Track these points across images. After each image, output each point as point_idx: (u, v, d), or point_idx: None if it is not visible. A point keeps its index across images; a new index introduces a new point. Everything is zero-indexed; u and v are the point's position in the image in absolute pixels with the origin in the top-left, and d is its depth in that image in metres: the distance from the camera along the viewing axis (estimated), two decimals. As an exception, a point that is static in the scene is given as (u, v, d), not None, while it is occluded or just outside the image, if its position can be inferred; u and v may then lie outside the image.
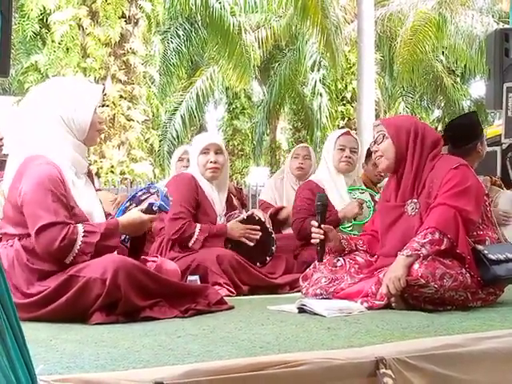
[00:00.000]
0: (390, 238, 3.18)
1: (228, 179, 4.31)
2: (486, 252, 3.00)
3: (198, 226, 3.88)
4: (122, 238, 2.94)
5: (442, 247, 2.91)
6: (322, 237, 3.19)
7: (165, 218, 3.88)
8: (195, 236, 3.85)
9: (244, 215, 4.09)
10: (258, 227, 4.01)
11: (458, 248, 2.92)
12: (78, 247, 2.69)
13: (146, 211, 2.90)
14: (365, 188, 4.48)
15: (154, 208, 2.90)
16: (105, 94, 12.00)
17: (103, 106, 11.87)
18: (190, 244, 3.85)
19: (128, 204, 3.03)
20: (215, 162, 4.00)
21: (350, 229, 4.23)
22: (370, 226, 3.43)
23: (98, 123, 2.94)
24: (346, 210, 4.23)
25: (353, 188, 4.39)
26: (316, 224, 3.22)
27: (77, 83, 3.03)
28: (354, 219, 4.24)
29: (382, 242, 3.23)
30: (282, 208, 4.88)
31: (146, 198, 2.97)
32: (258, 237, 3.98)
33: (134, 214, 2.89)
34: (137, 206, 2.96)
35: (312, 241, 3.25)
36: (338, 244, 3.26)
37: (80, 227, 2.72)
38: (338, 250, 3.28)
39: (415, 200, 3.12)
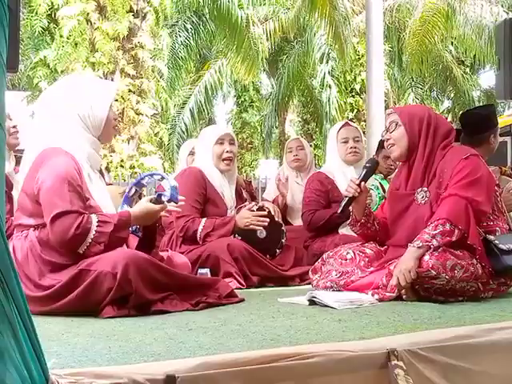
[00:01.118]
0: (399, 226, 3.18)
1: (236, 171, 4.33)
2: (496, 242, 2.99)
3: (203, 221, 3.88)
4: (134, 228, 2.96)
5: (454, 238, 2.90)
6: (357, 194, 3.18)
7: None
8: (199, 232, 3.85)
9: (254, 207, 4.09)
10: (265, 213, 4.00)
11: (469, 239, 2.91)
12: (92, 236, 2.72)
13: (155, 202, 2.92)
14: (374, 184, 4.44)
15: (164, 199, 2.92)
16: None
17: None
18: (198, 239, 3.85)
19: (134, 190, 3.06)
20: (231, 152, 4.03)
21: None
22: (380, 213, 3.42)
23: (113, 120, 2.99)
24: None
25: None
26: (356, 180, 3.21)
27: (92, 81, 3.10)
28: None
29: (392, 230, 3.23)
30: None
31: (149, 184, 3.01)
32: (265, 224, 3.96)
33: (145, 205, 2.92)
34: (140, 193, 3.00)
35: (344, 192, 3.24)
36: (362, 209, 3.24)
37: (94, 217, 2.75)
38: (358, 214, 3.25)
39: (425, 188, 3.12)
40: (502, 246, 2.97)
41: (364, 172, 3.26)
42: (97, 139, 2.94)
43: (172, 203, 3.00)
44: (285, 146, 5.28)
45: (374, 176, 4.43)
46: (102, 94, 2.93)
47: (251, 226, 3.92)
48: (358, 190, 3.18)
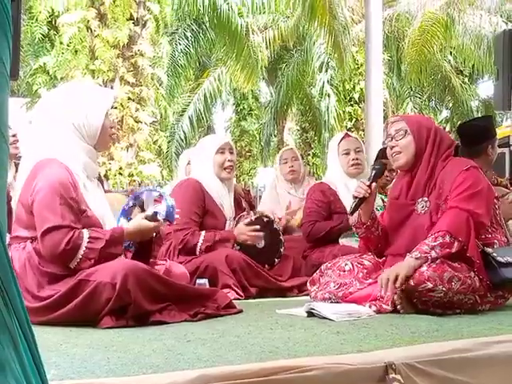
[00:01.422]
0: (399, 235, 3.18)
1: (234, 179, 4.34)
2: (494, 255, 2.99)
3: (202, 234, 3.89)
4: (127, 243, 2.96)
5: (453, 250, 2.90)
6: (367, 195, 3.16)
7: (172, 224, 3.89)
8: (199, 246, 3.86)
9: (252, 217, 4.09)
10: (259, 227, 4.00)
11: (468, 251, 2.92)
12: (82, 252, 2.71)
13: (150, 219, 2.92)
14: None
15: (159, 217, 2.92)
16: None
17: (111, 107, 11.90)
18: (197, 252, 3.86)
19: (131, 204, 3.06)
20: (231, 161, 4.04)
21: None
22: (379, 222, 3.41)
23: (110, 128, 2.96)
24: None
25: None
26: (366, 181, 3.20)
27: (88, 89, 3.05)
28: None
29: (391, 239, 3.23)
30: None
31: (148, 199, 3.00)
32: (261, 235, 3.97)
33: (139, 222, 2.92)
34: (140, 207, 2.98)
35: (354, 193, 3.20)
36: (369, 211, 3.23)
37: (85, 233, 2.74)
38: (365, 216, 3.23)
39: (426, 198, 3.12)
40: (499, 259, 2.97)
41: (373, 173, 3.24)
42: (93, 148, 2.93)
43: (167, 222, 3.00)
44: (277, 157, 5.24)
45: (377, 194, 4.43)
46: (97, 102, 2.91)
47: (248, 242, 3.93)
48: (369, 191, 3.17)
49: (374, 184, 3.20)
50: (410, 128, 3.19)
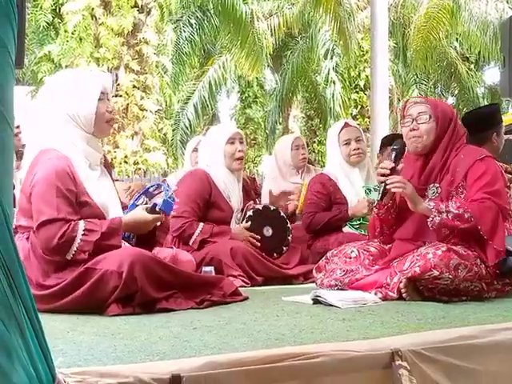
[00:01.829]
0: (407, 220, 3.15)
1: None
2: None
3: (200, 226, 3.88)
4: (127, 235, 2.95)
5: (462, 226, 2.91)
6: (388, 172, 3.06)
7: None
8: (194, 236, 3.85)
9: (259, 206, 4.09)
10: (264, 221, 4.00)
11: (494, 242, 2.91)
12: (77, 245, 2.71)
13: (150, 211, 2.91)
14: (378, 187, 4.40)
15: (157, 209, 2.91)
16: (118, 84, 12.03)
17: (116, 96, 11.90)
18: (190, 243, 3.85)
19: (142, 199, 3.04)
20: (242, 151, 4.02)
21: (357, 226, 4.21)
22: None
23: (107, 113, 2.90)
24: (356, 210, 4.20)
25: (368, 187, 4.31)
26: (388, 164, 3.11)
27: (77, 76, 2.99)
28: (363, 218, 4.21)
29: (400, 223, 3.20)
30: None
31: (158, 193, 2.99)
32: (257, 244, 3.97)
33: (138, 214, 2.91)
34: (149, 200, 2.97)
35: (379, 179, 3.11)
36: (392, 192, 3.14)
37: (81, 224, 2.73)
38: (387, 197, 3.16)
39: (437, 185, 3.11)
40: (509, 248, 2.97)
41: (394, 154, 3.16)
42: (92, 135, 2.90)
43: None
44: (284, 144, 5.11)
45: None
46: (87, 89, 2.86)
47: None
48: (389, 168, 3.09)
49: (399, 165, 3.12)
50: (434, 114, 3.14)
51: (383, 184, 3.08)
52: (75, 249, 2.70)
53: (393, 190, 3.05)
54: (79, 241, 2.71)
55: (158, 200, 2.95)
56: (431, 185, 3.13)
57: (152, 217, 2.91)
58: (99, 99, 2.87)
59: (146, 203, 3.04)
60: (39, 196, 2.72)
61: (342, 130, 4.37)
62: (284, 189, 4.88)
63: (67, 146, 2.81)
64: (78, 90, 2.86)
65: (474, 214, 2.92)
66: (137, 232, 2.97)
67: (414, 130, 3.14)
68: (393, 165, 3.10)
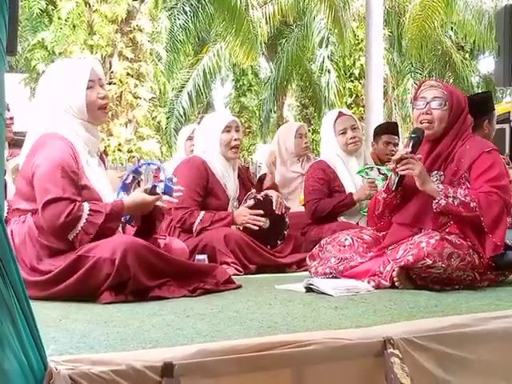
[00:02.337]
0: (408, 205, 3.12)
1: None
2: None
3: (201, 215, 3.86)
4: (128, 217, 2.95)
5: (464, 214, 2.91)
6: (407, 165, 2.96)
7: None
8: (195, 225, 3.85)
9: (259, 196, 4.07)
10: (262, 212, 3.99)
11: (494, 236, 2.91)
12: (82, 225, 2.72)
13: (149, 192, 2.91)
14: (370, 165, 4.40)
15: (158, 190, 2.92)
16: (111, 72, 11.98)
17: (110, 83, 11.85)
18: (193, 232, 3.85)
19: (131, 178, 3.05)
20: (238, 139, 4.01)
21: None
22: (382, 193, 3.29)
23: (99, 99, 2.90)
24: (359, 193, 4.20)
25: (360, 170, 4.30)
26: (404, 151, 3.02)
27: (64, 67, 2.99)
28: (370, 199, 4.20)
29: (400, 207, 3.16)
30: (265, 176, 4.83)
31: (146, 172, 2.99)
32: (261, 224, 3.95)
33: (138, 195, 2.92)
34: (138, 180, 2.98)
35: (388, 165, 3.09)
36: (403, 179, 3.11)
37: (86, 205, 2.75)
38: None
39: (441, 172, 3.08)
40: (508, 242, 2.98)
41: (412, 142, 3.05)
42: (89, 122, 2.91)
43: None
44: (287, 132, 5.08)
45: (371, 166, 4.39)
46: (74, 78, 2.87)
47: (247, 225, 3.91)
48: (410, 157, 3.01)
49: (416, 154, 3.03)
50: (450, 100, 3.10)
51: (397, 174, 3.00)
52: (79, 229, 2.72)
53: (401, 173, 2.99)
54: (84, 221, 2.72)
55: (158, 181, 2.96)
56: (435, 172, 3.10)
57: (152, 197, 2.92)
58: (88, 87, 2.87)
59: (135, 180, 3.04)
60: (44, 176, 2.73)
61: (336, 119, 4.35)
62: (283, 176, 4.90)
63: (69, 131, 2.84)
64: (67, 81, 2.87)
65: (479, 205, 2.91)
66: (138, 213, 2.98)
67: (427, 114, 3.08)
68: (409, 150, 3.01)
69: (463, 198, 2.92)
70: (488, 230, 2.92)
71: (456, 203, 2.91)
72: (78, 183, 2.79)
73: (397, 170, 2.99)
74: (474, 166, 3.03)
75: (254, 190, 4.14)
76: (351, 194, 4.22)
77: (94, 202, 2.81)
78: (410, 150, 3.01)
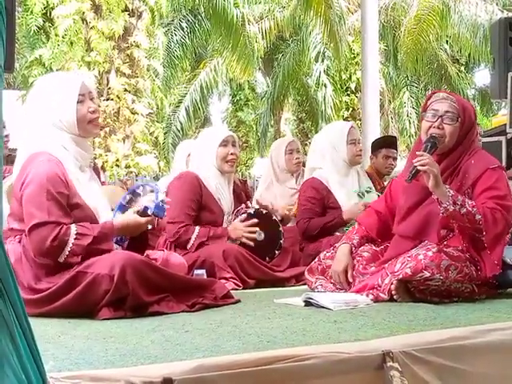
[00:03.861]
0: (411, 217, 3.09)
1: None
2: (503, 256, 2.99)
3: (197, 230, 3.86)
4: (119, 238, 2.95)
5: (467, 225, 2.90)
6: (426, 161, 2.89)
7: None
8: (191, 241, 3.85)
9: (252, 210, 4.08)
10: (256, 221, 3.99)
11: (493, 254, 2.91)
12: (69, 249, 2.70)
13: (141, 214, 2.91)
14: (371, 189, 4.41)
15: (149, 212, 2.91)
16: (109, 88, 12.02)
17: (107, 99, 11.88)
18: (188, 247, 3.85)
19: (128, 198, 3.05)
20: (234, 154, 4.02)
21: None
22: (381, 204, 3.33)
23: (89, 113, 2.87)
24: (351, 214, 4.16)
25: (360, 191, 4.33)
26: (423, 153, 2.96)
27: (54, 81, 2.95)
28: None
29: (402, 219, 3.13)
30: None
31: (144, 194, 2.98)
32: (256, 236, 3.96)
33: (130, 217, 2.90)
34: (135, 199, 2.98)
35: (415, 162, 2.93)
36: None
37: (73, 228, 2.73)
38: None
39: (447, 186, 2.99)
40: (508, 261, 2.98)
41: (429, 146, 3.00)
42: (79, 136, 2.88)
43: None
44: (278, 148, 5.06)
45: (371, 190, 4.40)
46: (64, 93, 2.84)
47: (243, 240, 3.92)
48: (426, 158, 2.94)
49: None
50: (462, 116, 3.06)
51: (415, 168, 2.95)
52: (67, 252, 2.70)
53: (419, 168, 2.92)
54: (71, 245, 2.70)
55: (150, 204, 2.95)
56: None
57: (143, 219, 2.90)
58: (78, 101, 2.85)
59: (131, 201, 3.04)
60: (30, 199, 2.71)
61: (350, 129, 4.42)
62: (280, 192, 4.88)
63: (58, 149, 2.81)
64: (56, 95, 2.84)
65: (485, 219, 2.89)
66: (129, 235, 2.97)
67: (439, 128, 3.04)
68: (426, 155, 2.97)
69: (470, 209, 2.89)
70: (488, 246, 2.91)
71: (462, 212, 2.88)
72: (68, 203, 2.76)
73: (416, 163, 2.93)
74: (479, 183, 3.01)
75: (243, 205, 4.13)
76: (341, 214, 4.22)
77: (82, 224, 2.77)
78: (427, 154, 2.97)
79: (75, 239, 2.71)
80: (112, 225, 2.84)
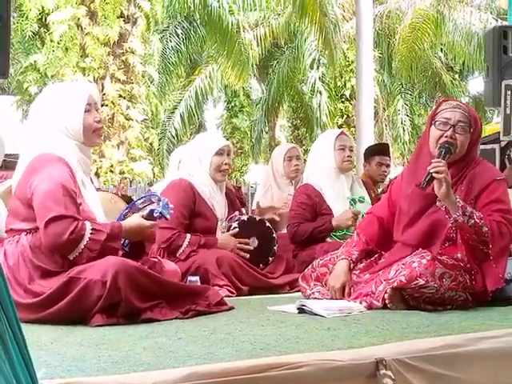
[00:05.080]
0: (418, 225, 3.07)
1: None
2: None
3: (188, 238, 3.86)
4: (122, 241, 2.95)
5: (474, 236, 2.89)
6: (443, 168, 2.88)
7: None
8: (182, 248, 3.84)
9: (245, 217, 4.08)
10: (250, 232, 4.00)
11: (498, 267, 2.91)
12: (85, 243, 2.73)
13: (147, 217, 2.93)
14: (363, 199, 4.41)
15: (155, 214, 2.94)
16: (104, 94, 12.01)
17: (102, 105, 11.86)
18: (178, 254, 3.84)
19: (127, 211, 3.05)
20: (228, 164, 4.03)
21: (341, 237, 4.19)
22: (383, 209, 3.29)
23: (95, 123, 2.94)
24: (340, 221, 4.18)
25: (353, 198, 4.34)
26: (440, 160, 2.94)
27: (62, 90, 3.02)
28: (347, 229, 4.21)
29: (405, 226, 3.11)
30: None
31: (145, 207, 3.00)
32: (249, 247, 3.96)
33: (135, 220, 2.93)
34: (134, 213, 3.00)
35: (431, 169, 2.90)
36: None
37: (88, 224, 2.76)
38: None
39: (456, 195, 2.98)
40: (506, 276, 2.98)
41: (443, 151, 2.98)
42: (82, 144, 2.93)
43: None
44: (278, 154, 5.08)
45: (364, 199, 4.40)
46: (72, 103, 2.90)
47: (236, 251, 3.91)
48: (441, 165, 2.93)
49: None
50: (474, 126, 3.05)
51: (430, 174, 2.92)
52: (82, 247, 2.72)
53: (434, 175, 2.89)
54: (87, 239, 2.73)
55: (155, 206, 2.97)
56: None
57: (148, 223, 2.94)
58: (85, 111, 2.91)
59: (129, 213, 3.05)
60: (46, 195, 2.73)
61: (338, 136, 4.42)
62: (278, 198, 4.89)
63: (64, 152, 2.85)
64: (65, 104, 2.90)
65: (492, 231, 2.89)
66: (133, 238, 2.99)
67: (452, 138, 3.01)
68: (442, 162, 2.95)
69: (478, 220, 2.88)
70: (493, 258, 2.91)
71: (470, 224, 2.87)
72: (77, 202, 2.80)
73: (432, 170, 2.90)
74: (484, 194, 3.01)
75: (237, 212, 4.13)
76: (330, 219, 4.21)
77: (95, 221, 2.82)
78: (442, 161, 2.95)
79: (91, 234, 2.74)
80: (120, 225, 2.88)
